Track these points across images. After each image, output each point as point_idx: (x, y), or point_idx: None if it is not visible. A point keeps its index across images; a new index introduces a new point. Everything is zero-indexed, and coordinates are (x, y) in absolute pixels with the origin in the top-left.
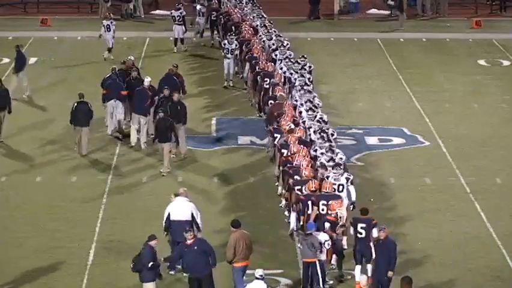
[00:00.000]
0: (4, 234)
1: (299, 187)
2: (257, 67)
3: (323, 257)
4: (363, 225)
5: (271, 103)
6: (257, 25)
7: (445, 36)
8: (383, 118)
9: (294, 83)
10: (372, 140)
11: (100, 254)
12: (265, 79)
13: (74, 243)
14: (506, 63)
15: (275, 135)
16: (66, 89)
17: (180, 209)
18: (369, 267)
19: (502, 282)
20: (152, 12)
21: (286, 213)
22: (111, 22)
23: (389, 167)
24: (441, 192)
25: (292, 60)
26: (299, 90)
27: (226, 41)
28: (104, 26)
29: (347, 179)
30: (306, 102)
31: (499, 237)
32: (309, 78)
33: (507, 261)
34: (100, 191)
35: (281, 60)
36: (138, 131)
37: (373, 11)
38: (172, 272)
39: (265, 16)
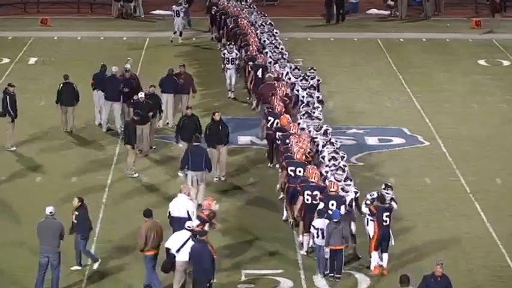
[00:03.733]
0: (4, 235)
1: (292, 168)
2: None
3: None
4: (388, 213)
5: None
6: (261, 33)
7: (445, 36)
8: (383, 118)
9: (301, 103)
10: (372, 140)
11: (100, 254)
12: (249, 62)
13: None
14: (506, 63)
15: (269, 118)
16: None
17: (178, 206)
18: (385, 256)
19: (502, 282)
20: (152, 12)
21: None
22: (181, 8)
23: (389, 167)
24: (441, 192)
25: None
26: (303, 115)
27: (226, 51)
28: (174, 11)
29: (392, 198)
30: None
31: (499, 237)
32: (318, 97)
33: (507, 261)
34: (100, 191)
35: (288, 72)
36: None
37: (373, 11)
38: None
39: (272, 24)
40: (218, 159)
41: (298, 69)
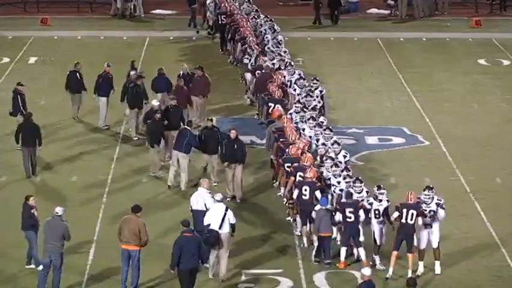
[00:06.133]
0: (4, 235)
1: (288, 164)
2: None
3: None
4: (351, 209)
5: (258, 73)
6: (268, 40)
7: (445, 36)
8: (383, 118)
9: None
10: (372, 140)
11: (100, 254)
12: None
13: (75, 243)
14: (506, 62)
15: (269, 104)
16: None
17: (197, 199)
18: (361, 250)
19: (502, 282)
20: (152, 11)
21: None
22: (213, 1)
23: (389, 166)
24: (441, 192)
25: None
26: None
27: (245, 57)
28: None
29: (437, 204)
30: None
31: (499, 237)
32: (315, 106)
33: (507, 261)
34: (100, 191)
35: (296, 80)
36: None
37: (373, 10)
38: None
39: (277, 30)
40: (232, 178)
41: (304, 79)
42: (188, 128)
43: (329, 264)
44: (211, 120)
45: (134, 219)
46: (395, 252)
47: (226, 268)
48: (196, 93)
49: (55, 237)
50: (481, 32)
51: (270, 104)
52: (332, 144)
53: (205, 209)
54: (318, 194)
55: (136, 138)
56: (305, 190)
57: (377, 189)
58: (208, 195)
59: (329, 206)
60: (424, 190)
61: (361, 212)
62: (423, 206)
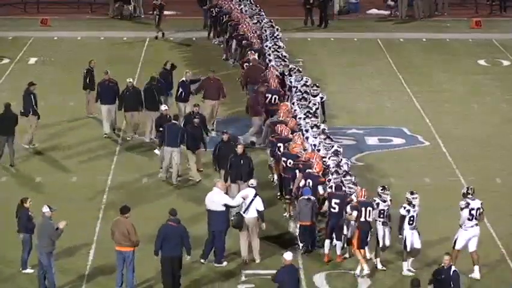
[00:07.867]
0: (4, 235)
1: (285, 159)
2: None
3: None
4: (337, 200)
5: (246, 65)
6: (270, 47)
7: (445, 36)
8: (383, 118)
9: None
10: (372, 140)
11: (100, 254)
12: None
13: (74, 243)
14: (506, 63)
15: (267, 95)
16: (66, 89)
17: (210, 199)
18: (338, 244)
19: (502, 282)
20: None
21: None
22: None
23: (389, 167)
24: (441, 192)
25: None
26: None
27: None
28: None
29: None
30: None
31: (499, 237)
32: (317, 109)
33: (507, 261)
34: (100, 191)
35: (298, 87)
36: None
37: (373, 11)
38: (202, 261)
39: (280, 37)
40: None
41: (307, 86)
42: (176, 122)
43: (315, 248)
44: (227, 133)
45: (122, 221)
46: (363, 250)
47: (258, 252)
48: (213, 97)
49: (42, 236)
50: (481, 32)
51: (267, 95)
52: (334, 152)
53: (218, 210)
54: (320, 188)
55: (151, 140)
56: (309, 183)
57: (381, 190)
58: (218, 194)
59: (311, 197)
60: (381, 189)
61: (348, 207)
62: (383, 204)
